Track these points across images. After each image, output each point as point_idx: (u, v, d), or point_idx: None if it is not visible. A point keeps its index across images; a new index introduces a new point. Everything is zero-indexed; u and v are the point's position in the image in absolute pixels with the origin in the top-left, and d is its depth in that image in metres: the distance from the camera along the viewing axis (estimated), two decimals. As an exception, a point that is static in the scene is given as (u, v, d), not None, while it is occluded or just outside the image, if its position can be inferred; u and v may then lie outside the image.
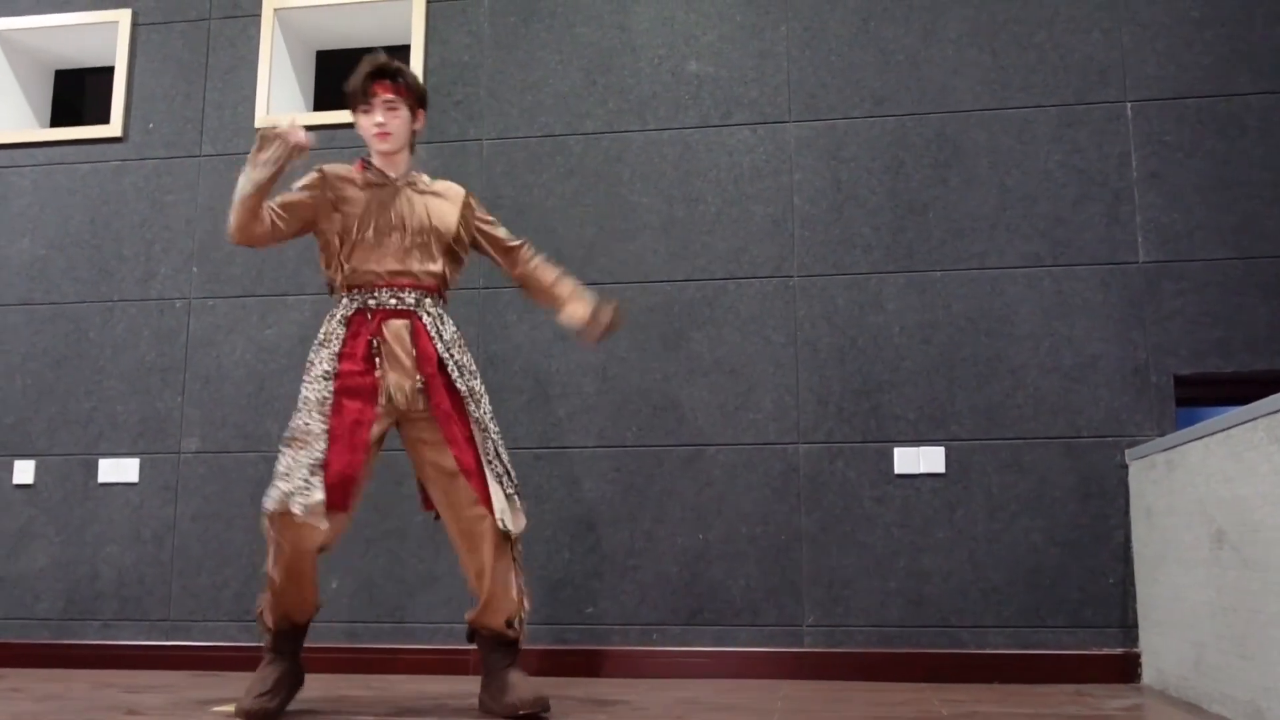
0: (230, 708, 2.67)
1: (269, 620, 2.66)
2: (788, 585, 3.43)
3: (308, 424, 2.57)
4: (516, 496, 2.68)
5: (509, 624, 2.67)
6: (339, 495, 2.54)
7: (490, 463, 2.65)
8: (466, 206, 2.85)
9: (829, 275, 3.58)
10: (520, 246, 2.93)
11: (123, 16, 4.12)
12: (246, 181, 2.57)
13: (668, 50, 3.82)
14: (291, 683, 2.65)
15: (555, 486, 3.60)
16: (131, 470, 3.83)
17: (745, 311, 3.61)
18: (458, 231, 2.80)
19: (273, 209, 2.67)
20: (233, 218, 2.61)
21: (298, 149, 2.56)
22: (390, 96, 2.71)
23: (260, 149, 2.55)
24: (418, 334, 2.67)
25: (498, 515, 2.60)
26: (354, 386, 2.61)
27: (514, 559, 2.68)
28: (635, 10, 3.86)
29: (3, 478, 3.90)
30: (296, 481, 2.50)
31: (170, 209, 3.99)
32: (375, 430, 2.62)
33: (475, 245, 2.88)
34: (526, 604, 2.71)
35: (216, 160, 3.99)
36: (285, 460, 2.54)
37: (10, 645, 3.76)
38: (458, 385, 2.67)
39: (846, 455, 3.48)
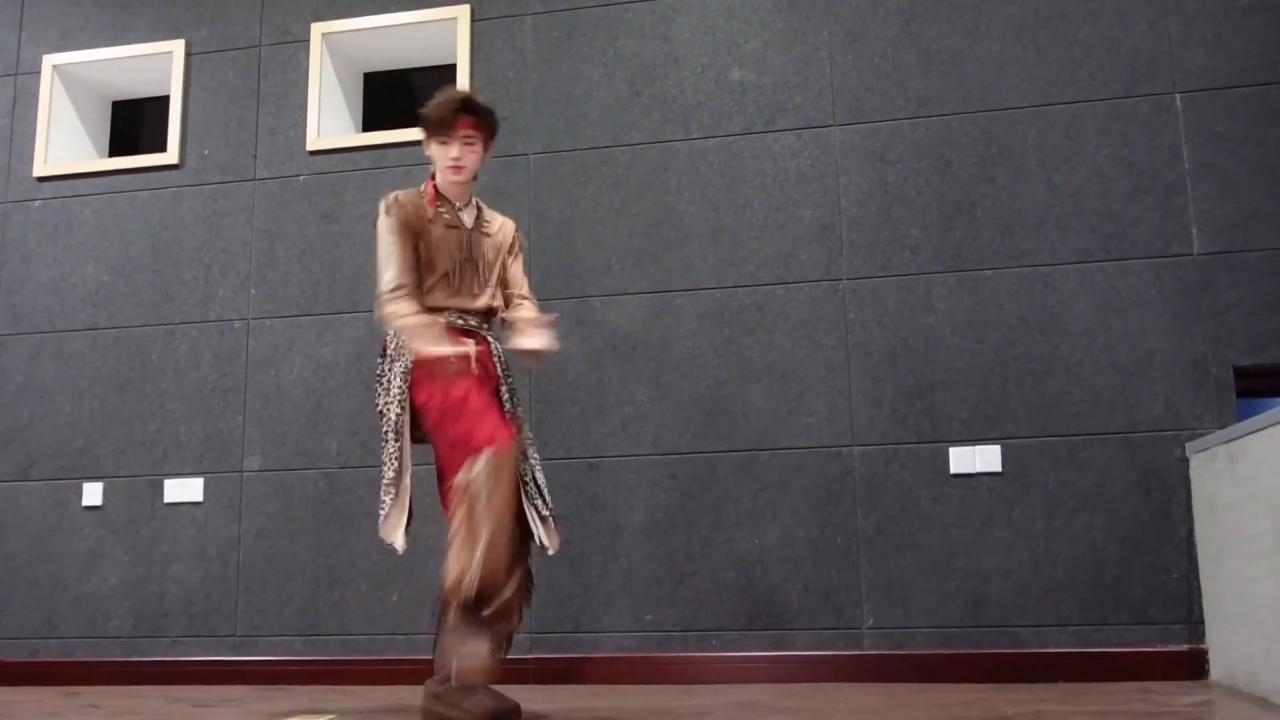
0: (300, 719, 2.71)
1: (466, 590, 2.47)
2: (846, 588, 3.43)
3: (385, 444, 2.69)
4: (551, 519, 2.70)
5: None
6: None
7: (525, 484, 2.68)
8: (511, 246, 2.89)
9: (878, 277, 3.58)
10: (525, 300, 2.90)
11: (176, 47, 4.23)
12: (421, 345, 2.61)
13: (710, 59, 3.84)
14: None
15: (610, 495, 3.62)
16: (196, 490, 3.91)
17: (795, 316, 3.61)
18: (499, 268, 2.86)
19: (407, 281, 2.70)
20: (401, 331, 2.66)
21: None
22: (471, 133, 2.73)
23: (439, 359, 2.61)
24: (483, 354, 2.73)
25: (537, 539, 2.65)
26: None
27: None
28: (677, 21, 3.89)
29: (72, 500, 4.00)
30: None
31: (227, 232, 4.08)
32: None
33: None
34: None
35: (271, 183, 4.07)
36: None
37: (84, 663, 3.85)
38: (505, 409, 2.73)
39: (901, 457, 3.47)
